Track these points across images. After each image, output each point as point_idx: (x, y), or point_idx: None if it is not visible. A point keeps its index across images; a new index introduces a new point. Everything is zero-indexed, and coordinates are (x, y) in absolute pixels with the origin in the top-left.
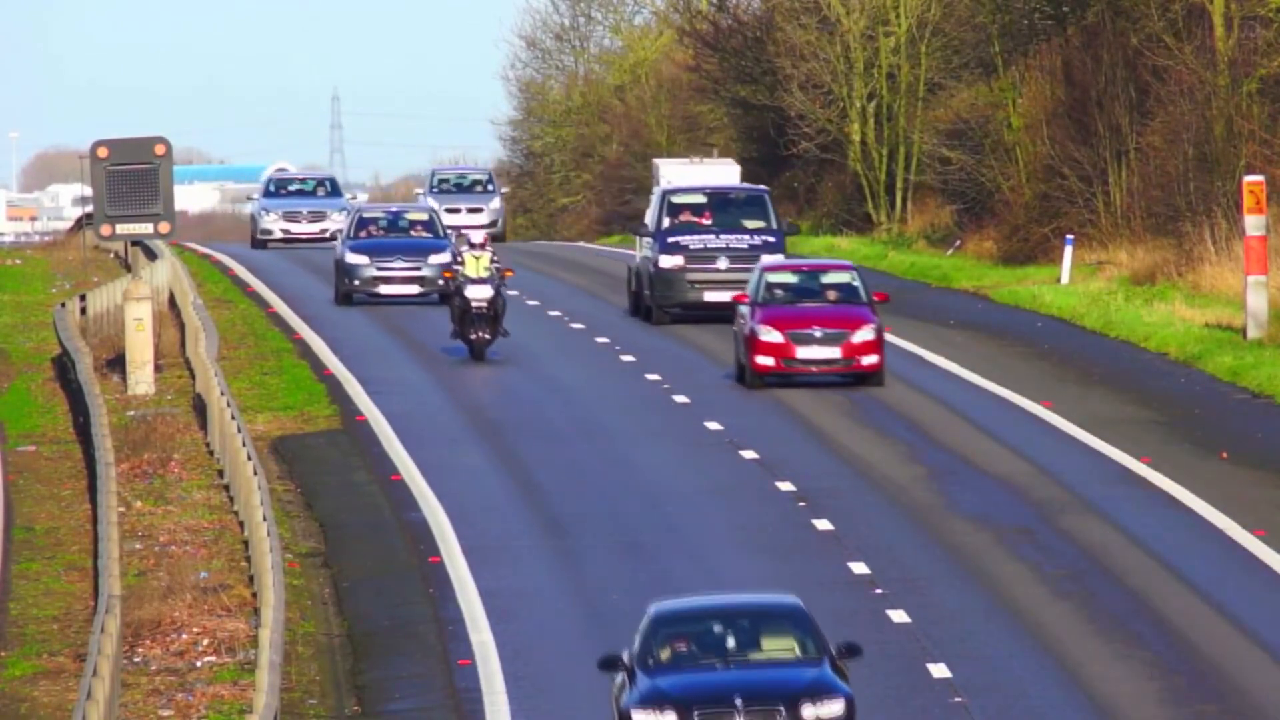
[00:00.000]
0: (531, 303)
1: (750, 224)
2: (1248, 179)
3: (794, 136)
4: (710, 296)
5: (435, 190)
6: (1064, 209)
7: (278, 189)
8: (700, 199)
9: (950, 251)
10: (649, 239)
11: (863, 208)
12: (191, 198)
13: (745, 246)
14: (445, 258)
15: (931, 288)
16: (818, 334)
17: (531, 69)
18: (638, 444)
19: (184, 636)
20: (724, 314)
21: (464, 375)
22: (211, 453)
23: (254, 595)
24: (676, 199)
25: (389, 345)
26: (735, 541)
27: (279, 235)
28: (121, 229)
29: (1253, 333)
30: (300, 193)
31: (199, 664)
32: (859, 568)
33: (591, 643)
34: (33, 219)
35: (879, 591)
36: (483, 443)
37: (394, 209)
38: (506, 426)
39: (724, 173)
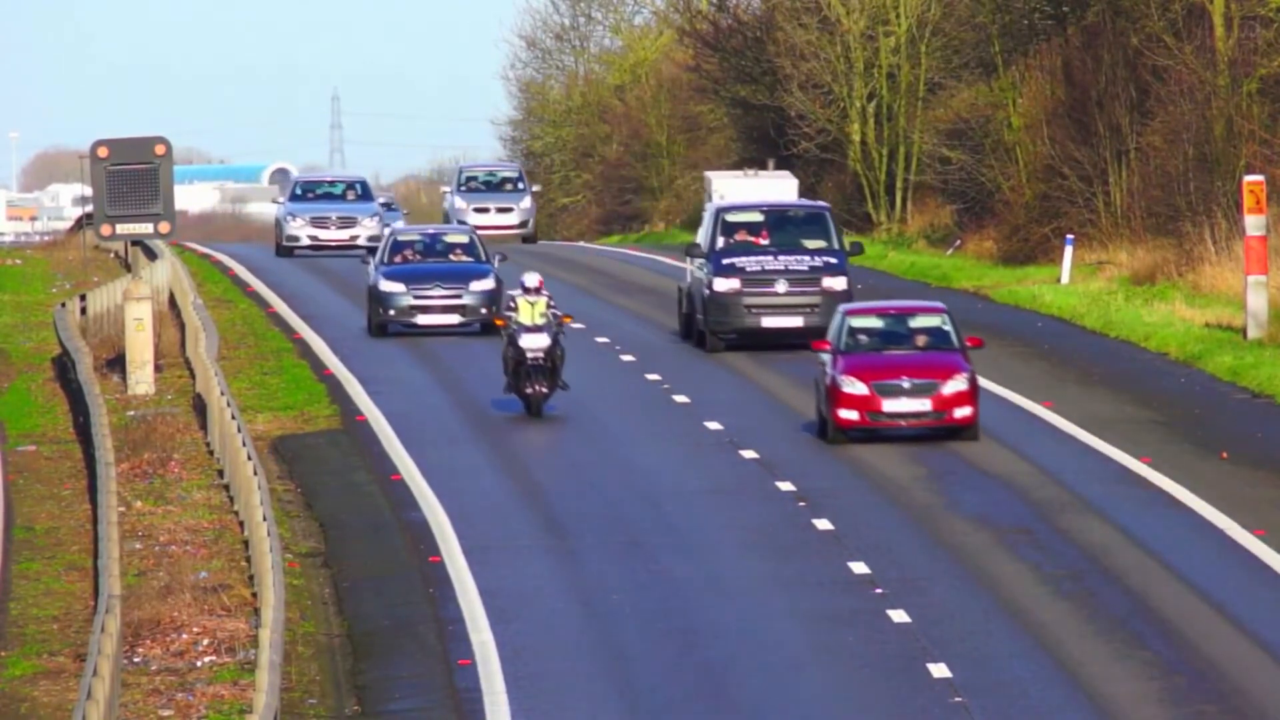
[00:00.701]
0: None
1: (810, 244)
2: (1248, 179)
3: (794, 136)
4: (768, 322)
5: (463, 189)
6: (1064, 209)
7: (304, 192)
8: (757, 217)
9: (950, 251)
10: (701, 260)
11: (863, 208)
12: (191, 198)
13: (805, 268)
14: (488, 284)
15: (931, 288)
16: (906, 385)
17: (531, 69)
18: (638, 444)
19: (184, 636)
20: (783, 341)
21: (464, 376)
22: (211, 453)
23: (254, 595)
24: (731, 217)
25: (389, 345)
26: (735, 541)
27: (306, 242)
28: (121, 229)
29: (1253, 333)
30: (328, 196)
31: (199, 664)
32: (859, 568)
33: (592, 643)
34: (33, 219)
35: (879, 591)
36: (483, 443)
37: (431, 230)
38: (506, 426)
39: (781, 187)
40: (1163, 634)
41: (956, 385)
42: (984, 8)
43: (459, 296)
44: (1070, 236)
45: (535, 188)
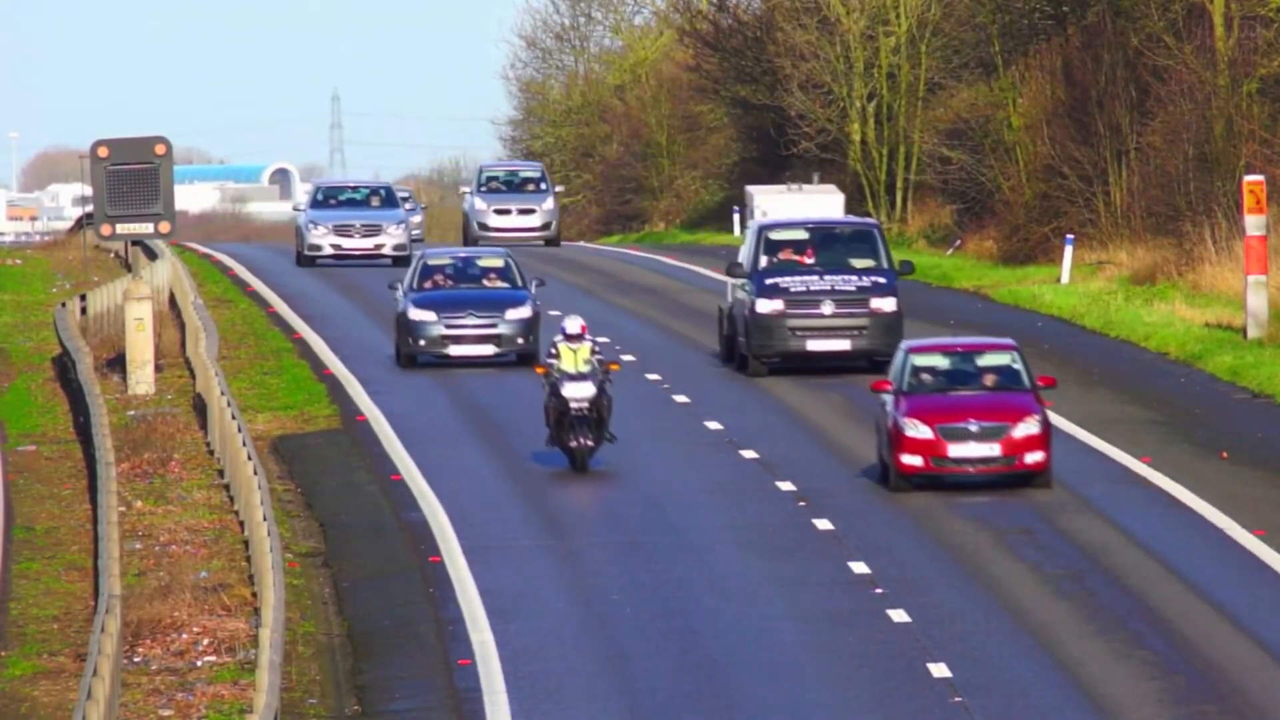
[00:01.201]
0: None
1: (858, 263)
2: (1248, 179)
3: (794, 136)
4: (814, 346)
5: (483, 189)
6: (1064, 209)
7: (326, 198)
8: (802, 235)
9: (950, 251)
10: (743, 280)
11: (863, 208)
12: (191, 198)
13: (853, 289)
14: (525, 311)
15: (931, 288)
16: (973, 428)
17: (532, 69)
18: (638, 444)
19: (184, 636)
20: (829, 365)
21: (464, 376)
22: (211, 452)
23: (254, 595)
24: (774, 235)
25: (388, 345)
26: (735, 541)
27: (329, 251)
28: (122, 229)
29: (1253, 332)
30: (351, 203)
31: (199, 664)
32: (859, 568)
33: (592, 643)
34: (33, 219)
35: (879, 591)
36: (483, 443)
37: (463, 254)
38: (506, 426)
39: (826, 202)
40: (1163, 634)
41: (1028, 428)
42: (984, 8)
43: (494, 325)
44: (1070, 236)
45: (558, 188)
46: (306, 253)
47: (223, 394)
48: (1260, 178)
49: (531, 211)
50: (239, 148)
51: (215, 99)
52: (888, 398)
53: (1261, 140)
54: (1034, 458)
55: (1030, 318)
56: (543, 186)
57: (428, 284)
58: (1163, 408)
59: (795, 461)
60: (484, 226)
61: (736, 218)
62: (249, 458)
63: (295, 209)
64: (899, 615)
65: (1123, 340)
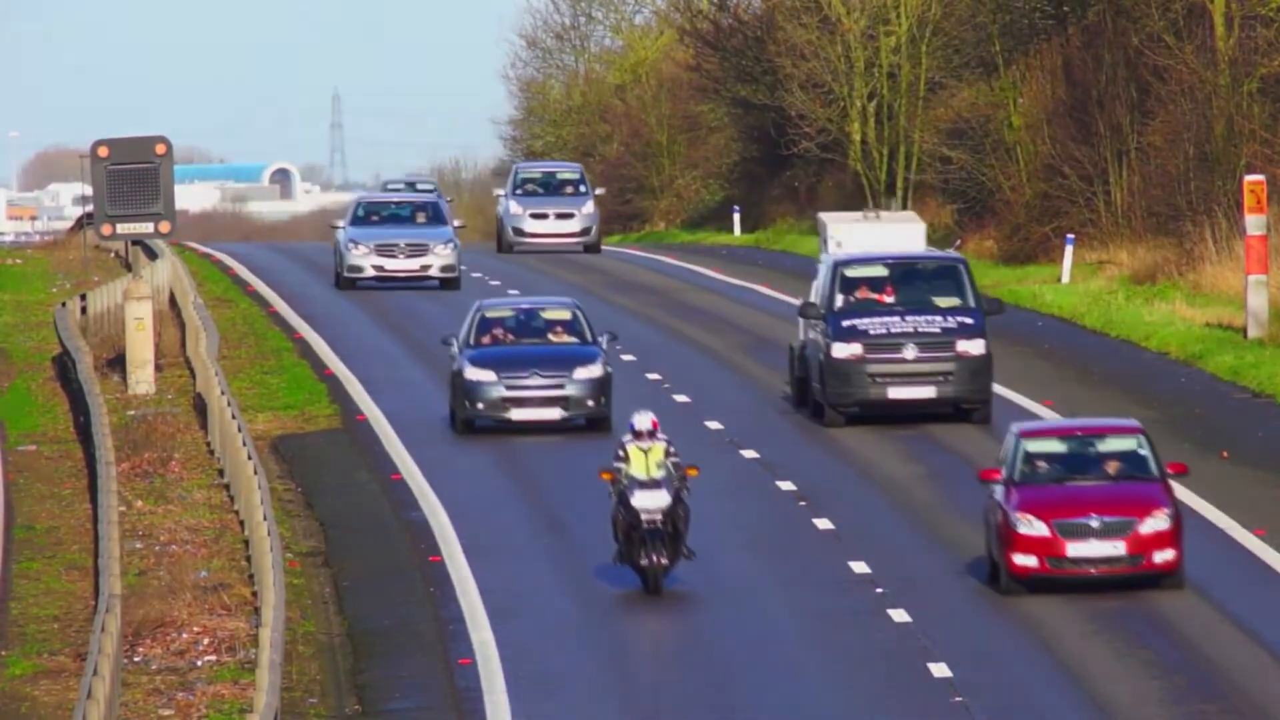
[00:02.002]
0: None
1: (942, 301)
2: (1248, 178)
3: (794, 136)
4: (896, 393)
5: (519, 192)
6: (1065, 208)
7: (367, 214)
8: (880, 271)
9: (951, 251)
10: (818, 321)
11: (863, 207)
12: (191, 197)
13: (937, 330)
14: (595, 370)
15: None
16: (1095, 524)
17: (532, 68)
18: None
19: (184, 636)
20: (913, 414)
21: None
22: (212, 452)
23: (254, 594)
24: (851, 272)
25: (389, 344)
26: (735, 541)
27: (370, 273)
28: (122, 228)
29: (1253, 332)
30: (395, 219)
31: (199, 663)
32: (859, 567)
33: (591, 642)
34: (33, 218)
35: (879, 591)
36: (483, 442)
37: (526, 305)
38: (506, 426)
39: (907, 233)
40: (1163, 634)
41: (1156, 524)
42: (984, 7)
43: (560, 386)
44: (1071, 236)
45: (598, 190)
46: (346, 274)
47: (223, 394)
48: (1260, 177)
49: (570, 216)
50: (239, 148)
51: (215, 99)
52: (997, 488)
53: (1262, 140)
54: (1163, 556)
55: (1031, 317)
56: (581, 189)
57: (486, 339)
58: (1163, 407)
59: (795, 461)
60: (519, 232)
61: (737, 217)
62: (249, 457)
63: (332, 226)
64: (899, 615)
65: (1123, 340)
